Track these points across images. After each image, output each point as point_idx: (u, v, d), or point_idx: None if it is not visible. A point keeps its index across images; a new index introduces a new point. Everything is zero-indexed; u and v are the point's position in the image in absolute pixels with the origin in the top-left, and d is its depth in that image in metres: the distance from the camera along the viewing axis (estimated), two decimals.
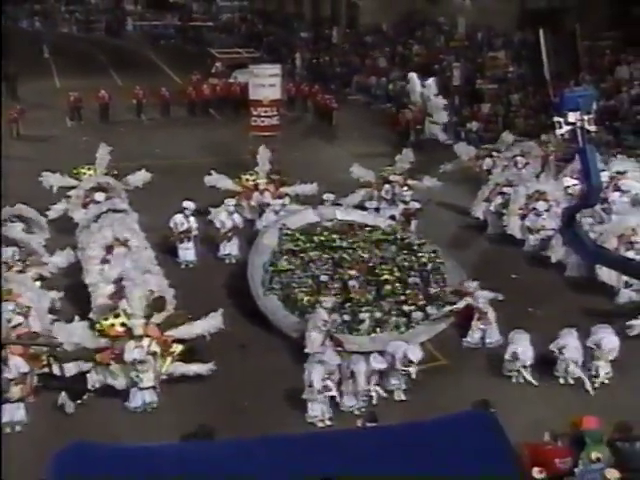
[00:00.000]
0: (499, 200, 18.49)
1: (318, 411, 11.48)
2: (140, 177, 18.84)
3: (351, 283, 14.41)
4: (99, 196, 17.57)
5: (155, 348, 11.87)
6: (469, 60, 35.53)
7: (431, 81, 27.71)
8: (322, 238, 15.87)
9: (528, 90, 28.86)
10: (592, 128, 7.81)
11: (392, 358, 12.06)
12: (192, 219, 16.84)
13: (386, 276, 14.60)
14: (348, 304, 13.99)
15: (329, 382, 11.46)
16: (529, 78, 29.38)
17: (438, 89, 27.33)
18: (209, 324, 12.41)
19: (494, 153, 21.14)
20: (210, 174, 18.53)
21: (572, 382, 12.56)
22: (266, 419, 11.28)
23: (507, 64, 33.99)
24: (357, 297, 14.12)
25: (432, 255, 15.46)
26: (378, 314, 13.81)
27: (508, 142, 21.52)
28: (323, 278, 14.53)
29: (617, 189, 17.75)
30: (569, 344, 12.42)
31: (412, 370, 11.95)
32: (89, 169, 18.64)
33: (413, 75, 28.48)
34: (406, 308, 13.99)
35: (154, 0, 65.84)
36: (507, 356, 12.49)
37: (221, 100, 32.74)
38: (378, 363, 11.88)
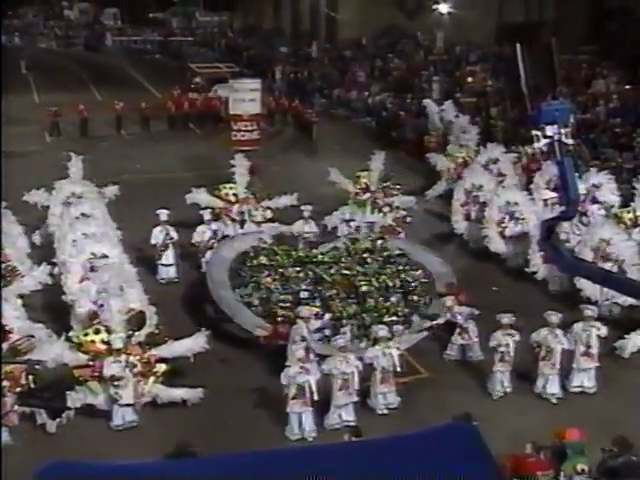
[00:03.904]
0: (476, 211, 18.61)
1: (297, 428, 11.51)
2: (111, 190, 18.74)
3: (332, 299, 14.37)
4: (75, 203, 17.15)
5: (134, 361, 11.75)
6: (448, 74, 35.80)
7: (448, 103, 26.81)
8: (301, 254, 15.76)
9: (506, 103, 29.04)
10: (570, 141, 7.85)
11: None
12: (169, 228, 16.82)
13: (366, 288, 14.57)
14: (329, 318, 13.89)
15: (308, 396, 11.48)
16: (507, 91, 29.51)
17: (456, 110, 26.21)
18: (193, 343, 12.25)
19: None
20: (190, 191, 18.39)
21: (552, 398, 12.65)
22: (246, 435, 11.25)
23: (485, 78, 34.24)
24: (338, 311, 14.05)
25: (416, 272, 15.40)
26: (359, 326, 13.75)
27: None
28: (303, 294, 14.47)
29: (594, 201, 17.92)
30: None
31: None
32: None
33: (429, 102, 27.44)
34: (387, 319, 13.84)
35: (133, 15, 65.87)
36: None
37: (201, 114, 32.72)
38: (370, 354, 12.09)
